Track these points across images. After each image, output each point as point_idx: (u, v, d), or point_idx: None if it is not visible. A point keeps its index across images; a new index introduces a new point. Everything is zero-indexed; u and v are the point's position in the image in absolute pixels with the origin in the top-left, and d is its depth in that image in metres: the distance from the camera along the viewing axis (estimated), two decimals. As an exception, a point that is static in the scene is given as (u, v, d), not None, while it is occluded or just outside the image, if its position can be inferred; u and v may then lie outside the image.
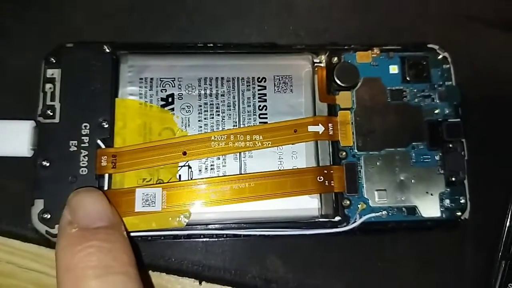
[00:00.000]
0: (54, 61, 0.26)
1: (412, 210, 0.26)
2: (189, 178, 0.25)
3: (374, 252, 0.27)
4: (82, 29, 0.29)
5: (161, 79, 0.26)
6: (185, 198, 0.24)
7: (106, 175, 0.25)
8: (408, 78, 0.27)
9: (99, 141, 0.25)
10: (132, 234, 0.24)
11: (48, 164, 0.25)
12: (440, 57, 0.28)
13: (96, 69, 0.26)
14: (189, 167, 0.25)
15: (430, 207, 0.26)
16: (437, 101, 0.27)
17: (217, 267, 0.26)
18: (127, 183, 0.25)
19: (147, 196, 0.24)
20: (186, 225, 0.24)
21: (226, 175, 0.25)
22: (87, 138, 0.25)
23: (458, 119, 0.27)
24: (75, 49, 0.26)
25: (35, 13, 0.29)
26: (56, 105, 0.25)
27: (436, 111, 0.27)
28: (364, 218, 0.25)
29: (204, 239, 0.26)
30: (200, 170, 0.25)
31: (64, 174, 0.25)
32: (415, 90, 0.27)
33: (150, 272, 0.26)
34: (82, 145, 0.25)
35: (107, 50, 0.26)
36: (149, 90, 0.26)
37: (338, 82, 0.27)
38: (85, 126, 0.25)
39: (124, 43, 0.27)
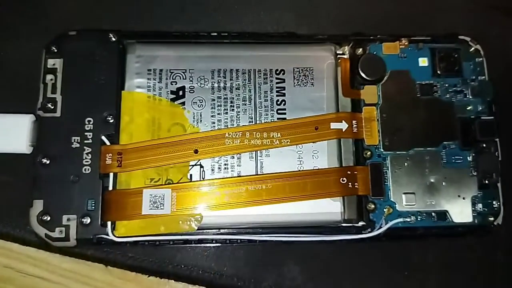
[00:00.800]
0: (56, 51, 0.24)
1: (443, 215, 0.24)
2: (201, 179, 0.24)
3: (401, 260, 0.26)
4: (86, 16, 0.27)
5: (171, 71, 0.25)
6: (196, 200, 0.23)
7: (111, 174, 0.23)
8: (438, 72, 0.26)
9: (103, 137, 0.24)
10: (138, 238, 0.23)
11: (48, 162, 0.23)
12: (472, 49, 0.26)
13: (101, 59, 0.24)
14: (201, 166, 0.24)
15: (461, 212, 0.24)
16: (470, 97, 0.26)
17: (230, 274, 0.25)
18: (134, 183, 0.23)
19: (155, 197, 0.23)
20: (197, 229, 0.23)
21: (241, 176, 0.24)
22: (91, 134, 0.24)
23: (492, 117, 0.25)
24: (78, 37, 0.25)
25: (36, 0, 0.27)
26: (57, 97, 0.24)
27: (469, 108, 0.26)
28: (390, 223, 0.24)
29: (217, 245, 0.25)
30: (212, 170, 0.24)
31: (65, 173, 0.23)
32: (446, 85, 0.26)
33: (158, 279, 0.25)
34: (85, 141, 0.24)
35: (113, 39, 0.25)
36: (158, 82, 0.25)
37: (363, 75, 0.25)
38: (89, 121, 0.24)
39: (132, 31, 0.25)
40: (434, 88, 0.26)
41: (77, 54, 0.24)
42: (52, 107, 0.24)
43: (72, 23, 0.26)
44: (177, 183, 0.23)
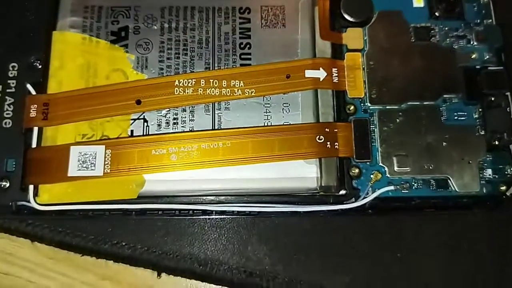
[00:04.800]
0: (-21, -16, 0.22)
1: (443, 182, 0.21)
2: (144, 135, 0.20)
3: (391, 237, 0.23)
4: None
5: (113, 8, 0.22)
6: (137, 160, 0.20)
7: (35, 129, 0.20)
8: (437, 14, 0.23)
9: (28, 86, 0.21)
10: (65, 207, 0.19)
11: (-35, 115, 0.21)
12: (476, -12, 0.24)
13: (29, -6, 0.22)
14: (145, 120, 0.21)
15: (466, 179, 0.21)
16: (474, 43, 0.23)
17: (182, 254, 0.22)
18: (61, 140, 0.20)
19: (85, 156, 0.20)
20: (139, 196, 0.20)
21: (193, 131, 0.20)
22: (14, 81, 0.21)
23: (501, 67, 0.23)
24: (5, -31, 0.22)
25: None
26: (-22, 40, 0.22)
27: (473, 56, 0.23)
28: (378, 192, 0.21)
29: (164, 217, 0.22)
30: (159, 125, 0.21)
31: (-17, 127, 0.21)
32: (446, 29, 0.23)
33: (93, 259, 0.22)
34: (8, 90, 0.21)
35: (45, -30, 0.22)
36: (96, 21, 0.22)
37: (346, 16, 0.23)
38: (13, 66, 0.21)
39: (67, -39, 0.23)
40: (432, 32, 0.23)
41: (2, -12, 0.22)
42: (-28, 51, 0.21)
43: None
44: (114, 139, 0.20)
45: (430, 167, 0.21)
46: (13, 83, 0.21)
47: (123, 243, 0.21)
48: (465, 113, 0.22)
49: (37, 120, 0.20)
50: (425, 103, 0.22)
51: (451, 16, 0.23)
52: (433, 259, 0.22)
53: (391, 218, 0.22)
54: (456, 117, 0.22)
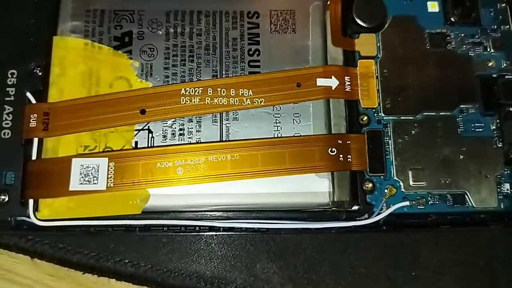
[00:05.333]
0: (-23, -12, 0.21)
1: (460, 197, 0.21)
2: (149, 146, 0.20)
3: (406, 255, 0.22)
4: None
5: (116, 12, 0.21)
6: (141, 173, 0.19)
7: (35, 140, 0.19)
8: (452, 19, 0.23)
9: (28, 94, 0.20)
10: (67, 223, 0.19)
11: (-37, 124, 0.20)
12: (493, -7, 0.23)
13: (29, -3, 0.21)
14: (150, 131, 0.20)
15: (484, 194, 0.21)
16: (491, 51, 0.23)
17: (187, 272, 0.21)
18: (63, 151, 0.19)
19: (87, 169, 0.19)
20: (143, 212, 0.19)
21: (200, 143, 0.20)
22: (13, 89, 0.20)
23: None
24: (3, -28, 0.22)
25: None
26: (-24, 45, 0.21)
27: (490, 64, 0.22)
28: (393, 208, 0.20)
29: (169, 233, 0.21)
30: (164, 136, 0.20)
31: (-19, 138, 0.20)
32: (462, 35, 0.23)
33: (95, 277, 0.21)
34: (7, 98, 0.20)
35: (45, -27, 0.21)
36: (99, 26, 0.21)
37: (358, 21, 0.22)
38: (12, 73, 0.20)
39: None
40: (447, 38, 0.22)
41: (0, -7, 0.21)
42: (-29, 57, 0.21)
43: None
44: (118, 151, 0.19)
45: (447, 182, 0.20)
46: (12, 91, 0.20)
47: (126, 261, 0.21)
48: (482, 125, 0.21)
49: (37, 130, 0.19)
50: (441, 113, 0.21)
51: (467, 21, 0.22)
52: (448, 277, 0.22)
53: (406, 235, 0.22)
54: (473, 129, 0.21)
